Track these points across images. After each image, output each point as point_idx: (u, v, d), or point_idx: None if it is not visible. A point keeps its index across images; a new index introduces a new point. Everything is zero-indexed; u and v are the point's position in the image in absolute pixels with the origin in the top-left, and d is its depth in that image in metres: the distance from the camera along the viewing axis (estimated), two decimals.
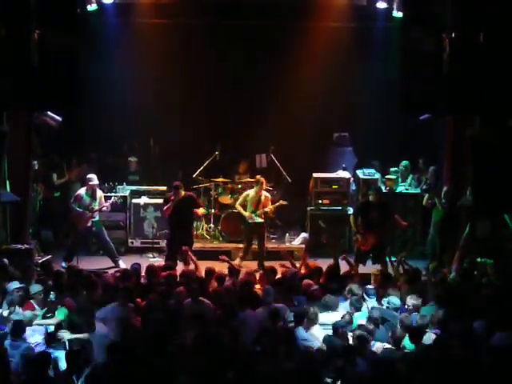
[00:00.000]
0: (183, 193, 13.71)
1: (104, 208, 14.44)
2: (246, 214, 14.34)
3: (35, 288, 10.43)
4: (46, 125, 14.74)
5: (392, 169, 16.04)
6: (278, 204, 14.44)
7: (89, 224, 14.27)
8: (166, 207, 13.70)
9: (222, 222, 15.88)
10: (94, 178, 14.30)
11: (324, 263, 12.04)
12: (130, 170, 16.88)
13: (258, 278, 11.68)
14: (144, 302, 10.04)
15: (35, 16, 11.78)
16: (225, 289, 10.58)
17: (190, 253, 12.51)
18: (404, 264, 11.99)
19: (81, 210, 14.18)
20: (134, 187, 16.22)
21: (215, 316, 9.57)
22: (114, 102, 16.64)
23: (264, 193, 14.44)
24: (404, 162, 16.06)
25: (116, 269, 13.40)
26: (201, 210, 14.11)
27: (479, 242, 13.27)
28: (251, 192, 14.47)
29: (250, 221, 14.32)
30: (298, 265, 12.06)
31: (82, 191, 14.34)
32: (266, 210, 14.30)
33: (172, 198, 13.66)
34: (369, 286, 10.85)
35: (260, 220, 14.34)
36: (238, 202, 14.67)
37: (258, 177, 14.57)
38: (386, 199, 14.00)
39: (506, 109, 11.59)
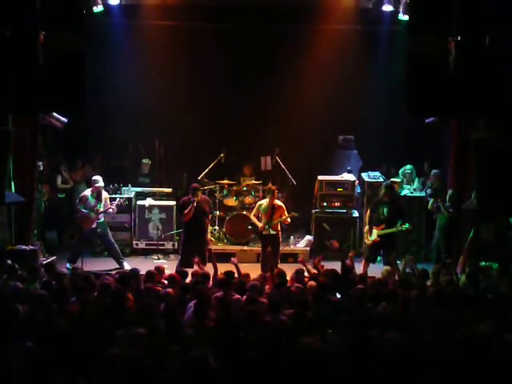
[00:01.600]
0: (201, 195, 13.57)
1: (110, 210, 14.40)
2: (260, 225, 13.81)
3: None
4: (51, 126, 14.77)
5: (397, 178, 15.99)
6: (290, 215, 14.07)
7: (94, 225, 14.25)
8: (186, 211, 13.36)
9: (226, 224, 15.86)
10: (99, 180, 14.28)
11: (329, 266, 11.97)
12: (143, 173, 16.90)
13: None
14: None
15: (41, 17, 11.80)
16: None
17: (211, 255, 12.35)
18: (412, 266, 11.97)
19: (86, 212, 14.16)
20: (138, 189, 16.24)
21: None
22: (119, 104, 16.68)
23: (277, 202, 13.83)
24: (408, 166, 16.03)
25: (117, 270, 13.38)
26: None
27: (484, 246, 13.26)
28: (264, 202, 13.89)
29: (263, 233, 13.75)
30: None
31: (88, 193, 14.32)
32: (281, 219, 13.68)
33: (191, 200, 13.32)
34: None
35: (273, 232, 13.70)
36: (252, 213, 14.21)
37: (269, 185, 14.23)
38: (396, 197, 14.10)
39: (511, 112, 11.57)
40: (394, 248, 13.32)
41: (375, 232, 13.28)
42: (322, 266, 11.44)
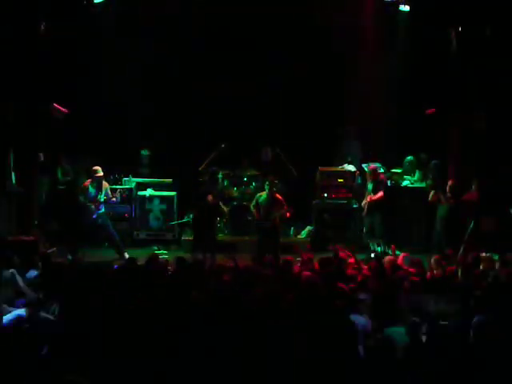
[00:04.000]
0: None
1: (114, 199, 14.36)
2: (258, 217, 13.79)
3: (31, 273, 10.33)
4: (51, 116, 14.76)
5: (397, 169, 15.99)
6: (288, 210, 13.99)
7: (94, 216, 14.21)
8: None
9: (227, 214, 15.86)
10: (99, 170, 14.24)
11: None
12: (143, 163, 16.87)
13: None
14: None
15: (41, 8, 11.82)
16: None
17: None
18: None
19: (86, 202, 14.11)
20: (139, 179, 16.24)
21: None
22: (119, 93, 16.62)
23: (277, 195, 13.79)
24: (408, 158, 16.02)
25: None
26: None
27: (484, 236, 13.26)
28: (263, 194, 13.86)
29: (263, 225, 13.69)
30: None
31: (88, 183, 14.29)
32: (279, 213, 13.60)
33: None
34: None
35: (272, 224, 13.63)
36: (251, 204, 14.11)
37: (268, 177, 14.15)
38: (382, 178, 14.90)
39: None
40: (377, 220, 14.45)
41: (365, 206, 14.54)
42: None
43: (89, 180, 14.32)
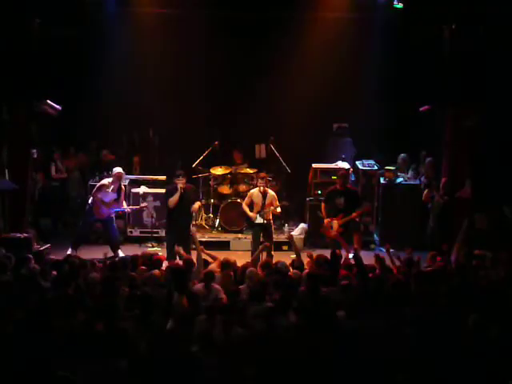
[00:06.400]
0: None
1: (127, 210, 14.26)
2: (251, 214, 13.44)
3: None
4: (45, 113, 14.72)
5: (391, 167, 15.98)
6: (280, 205, 13.85)
7: (95, 218, 14.02)
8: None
9: (220, 212, 15.86)
10: (122, 174, 13.96)
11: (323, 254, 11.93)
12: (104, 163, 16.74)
13: None
14: None
15: (35, 5, 11.79)
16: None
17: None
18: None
19: (101, 202, 13.85)
20: (133, 176, 16.22)
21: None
22: (113, 92, 16.60)
23: (269, 190, 13.61)
24: (402, 155, 16.06)
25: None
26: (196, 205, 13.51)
27: (478, 234, 13.28)
28: (255, 190, 13.65)
29: (256, 221, 13.43)
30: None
31: (106, 181, 13.89)
32: (272, 209, 13.30)
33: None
34: None
35: (265, 221, 13.37)
36: (244, 202, 13.81)
37: (261, 174, 14.05)
38: (354, 190, 13.95)
39: (505, 101, 11.60)
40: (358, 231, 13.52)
41: (335, 224, 13.13)
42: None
43: (109, 179, 14.01)
